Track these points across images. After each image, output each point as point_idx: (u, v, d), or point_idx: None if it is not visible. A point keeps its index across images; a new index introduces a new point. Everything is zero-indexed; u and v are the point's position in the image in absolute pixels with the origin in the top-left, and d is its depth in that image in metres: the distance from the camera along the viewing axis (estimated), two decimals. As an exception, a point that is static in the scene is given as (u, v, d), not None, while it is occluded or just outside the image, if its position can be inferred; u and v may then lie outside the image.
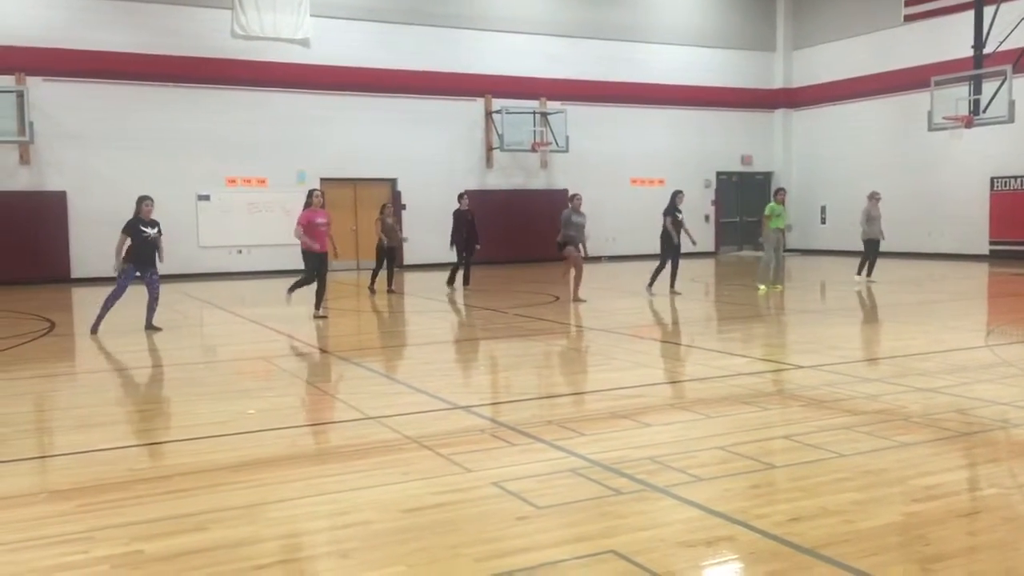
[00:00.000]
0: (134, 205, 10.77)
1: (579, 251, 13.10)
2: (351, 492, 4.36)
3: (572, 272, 13.34)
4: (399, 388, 7.18)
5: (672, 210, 13.96)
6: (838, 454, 4.81)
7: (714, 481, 4.40)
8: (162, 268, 19.31)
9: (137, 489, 4.46)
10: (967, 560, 3.40)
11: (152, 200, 10.74)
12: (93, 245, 18.16)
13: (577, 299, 12.98)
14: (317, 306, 11.76)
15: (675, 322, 11.52)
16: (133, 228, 10.48)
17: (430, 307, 13.85)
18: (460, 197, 16.22)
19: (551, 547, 3.56)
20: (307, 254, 11.60)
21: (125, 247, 10.47)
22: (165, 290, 16.58)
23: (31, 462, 5.21)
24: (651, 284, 14.01)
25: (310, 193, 11.79)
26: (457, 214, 15.96)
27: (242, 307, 13.94)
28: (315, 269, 11.61)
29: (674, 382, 7.08)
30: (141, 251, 10.50)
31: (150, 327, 10.67)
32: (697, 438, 5.26)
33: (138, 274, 10.59)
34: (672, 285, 13.89)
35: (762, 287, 14.22)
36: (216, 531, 3.83)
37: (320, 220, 11.53)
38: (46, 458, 5.35)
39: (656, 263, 14.30)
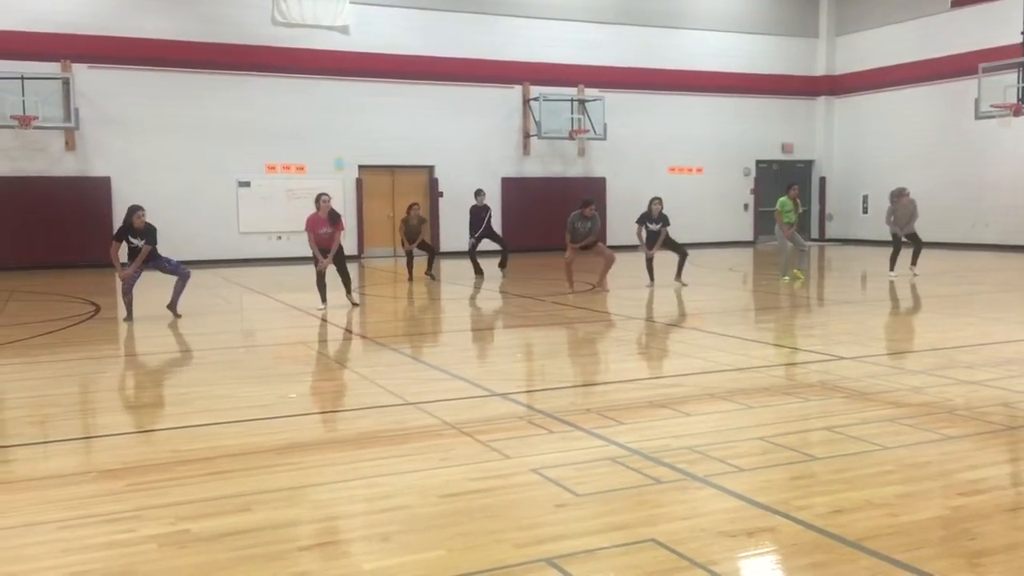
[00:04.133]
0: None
1: (572, 253, 13.15)
2: (391, 476, 4.39)
3: (572, 265, 13.34)
4: (437, 374, 7.21)
5: (642, 219, 13.85)
6: (881, 446, 4.75)
7: (755, 472, 4.37)
8: (202, 253, 19.77)
9: (182, 470, 4.54)
10: (1013, 556, 3.35)
11: (143, 210, 10.56)
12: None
13: (601, 286, 13.20)
14: (348, 292, 11.66)
15: (713, 311, 11.43)
16: (122, 237, 10.50)
17: (466, 294, 13.89)
18: (477, 194, 16.39)
19: (591, 535, 3.56)
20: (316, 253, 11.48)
21: (119, 253, 10.51)
22: (206, 275, 16.89)
23: (79, 442, 5.33)
24: (651, 277, 13.85)
25: (317, 197, 11.39)
26: (473, 210, 16.12)
27: (281, 292, 14.08)
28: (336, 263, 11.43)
29: (713, 372, 7.04)
30: (132, 255, 10.53)
31: (172, 308, 10.62)
32: (737, 428, 5.22)
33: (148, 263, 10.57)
34: (650, 278, 13.80)
35: (786, 277, 14.17)
36: (260, 512, 3.89)
37: (323, 230, 11.26)
38: (93, 438, 5.46)
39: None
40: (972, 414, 5.46)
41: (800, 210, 14.42)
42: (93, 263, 18.76)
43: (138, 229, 10.46)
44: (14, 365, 7.90)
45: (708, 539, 3.49)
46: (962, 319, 10.09)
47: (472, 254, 16.18)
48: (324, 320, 10.54)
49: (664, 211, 13.79)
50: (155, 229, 10.62)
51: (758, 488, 4.10)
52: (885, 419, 5.35)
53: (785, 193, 14.41)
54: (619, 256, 13.99)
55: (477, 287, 14.66)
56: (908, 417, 5.39)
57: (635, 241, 14.53)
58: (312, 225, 11.31)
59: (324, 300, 11.37)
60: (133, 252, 10.54)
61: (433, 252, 16.05)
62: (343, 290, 11.68)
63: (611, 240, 22.88)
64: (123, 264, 10.72)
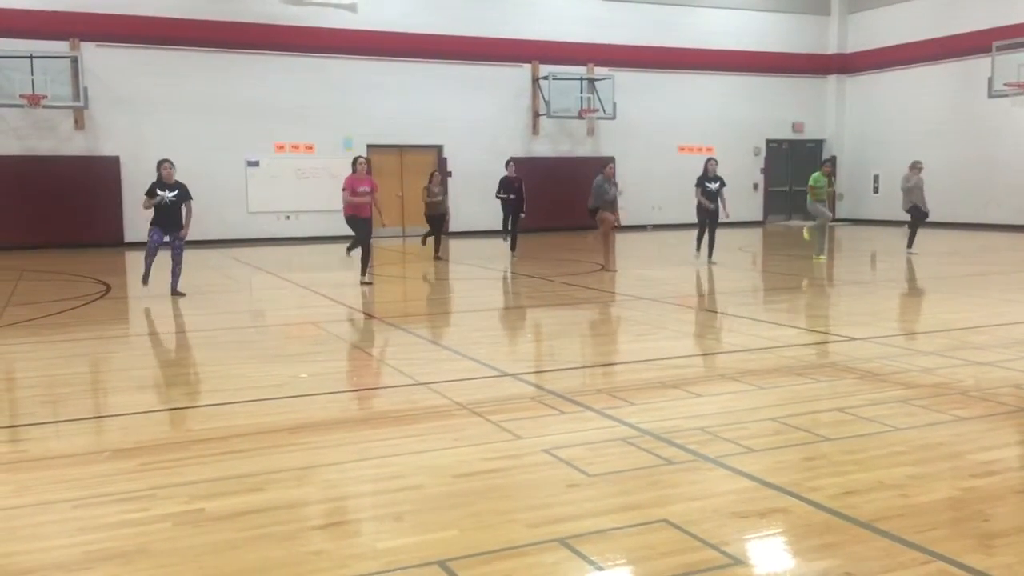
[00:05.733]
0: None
1: (614, 217, 13.12)
2: (403, 456, 4.41)
3: (605, 239, 13.34)
4: (448, 354, 7.22)
5: (700, 180, 14.06)
6: (893, 427, 4.74)
7: (766, 452, 4.37)
8: (211, 233, 19.79)
9: (196, 449, 4.56)
10: (1027, 537, 3.34)
11: (171, 163, 10.78)
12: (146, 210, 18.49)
13: (611, 268, 13.08)
14: (363, 272, 11.88)
15: (724, 292, 11.41)
16: (152, 191, 10.63)
17: (477, 274, 13.88)
18: (507, 164, 16.37)
19: (603, 515, 3.57)
20: (352, 220, 11.75)
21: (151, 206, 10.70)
22: (215, 255, 16.93)
23: (92, 422, 5.36)
24: (697, 248, 14.10)
25: (354, 160, 11.93)
26: (504, 181, 16.07)
27: (290, 272, 14.10)
28: (362, 233, 11.75)
29: (724, 352, 7.03)
30: (159, 213, 10.65)
31: (175, 293, 10.69)
32: (748, 409, 5.22)
33: (167, 239, 10.68)
34: (709, 255, 13.87)
35: (823, 257, 14.13)
36: (272, 492, 3.91)
37: (362, 188, 11.66)
38: (106, 418, 5.49)
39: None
40: (984, 395, 5.45)
41: (831, 188, 14.37)
42: (103, 242, 18.84)
43: (167, 183, 10.63)
44: (26, 345, 7.94)
45: (719, 520, 3.50)
46: (974, 300, 10.05)
47: (504, 229, 16.15)
48: (335, 300, 10.55)
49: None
50: (187, 186, 10.78)
51: (769, 469, 4.10)
52: (896, 400, 5.34)
53: (818, 169, 14.38)
54: (627, 237, 14.05)
55: (493, 267, 14.64)
56: (920, 398, 5.38)
57: (643, 222, 14.59)
58: (351, 183, 11.67)
59: (352, 251, 11.58)
60: (162, 207, 10.56)
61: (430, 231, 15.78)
62: (358, 269, 11.79)
63: (623, 219, 22.82)
64: (150, 230, 10.73)
